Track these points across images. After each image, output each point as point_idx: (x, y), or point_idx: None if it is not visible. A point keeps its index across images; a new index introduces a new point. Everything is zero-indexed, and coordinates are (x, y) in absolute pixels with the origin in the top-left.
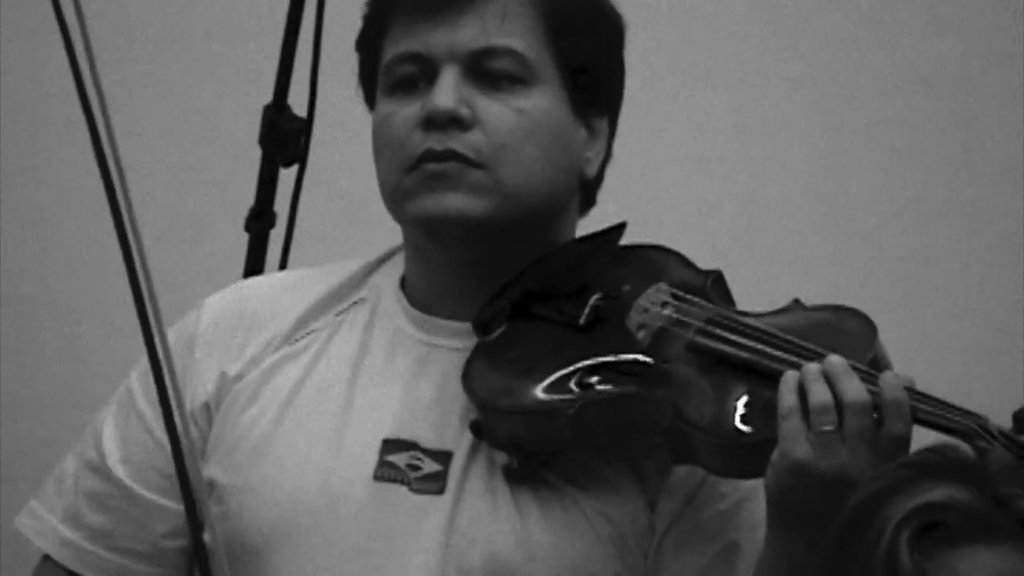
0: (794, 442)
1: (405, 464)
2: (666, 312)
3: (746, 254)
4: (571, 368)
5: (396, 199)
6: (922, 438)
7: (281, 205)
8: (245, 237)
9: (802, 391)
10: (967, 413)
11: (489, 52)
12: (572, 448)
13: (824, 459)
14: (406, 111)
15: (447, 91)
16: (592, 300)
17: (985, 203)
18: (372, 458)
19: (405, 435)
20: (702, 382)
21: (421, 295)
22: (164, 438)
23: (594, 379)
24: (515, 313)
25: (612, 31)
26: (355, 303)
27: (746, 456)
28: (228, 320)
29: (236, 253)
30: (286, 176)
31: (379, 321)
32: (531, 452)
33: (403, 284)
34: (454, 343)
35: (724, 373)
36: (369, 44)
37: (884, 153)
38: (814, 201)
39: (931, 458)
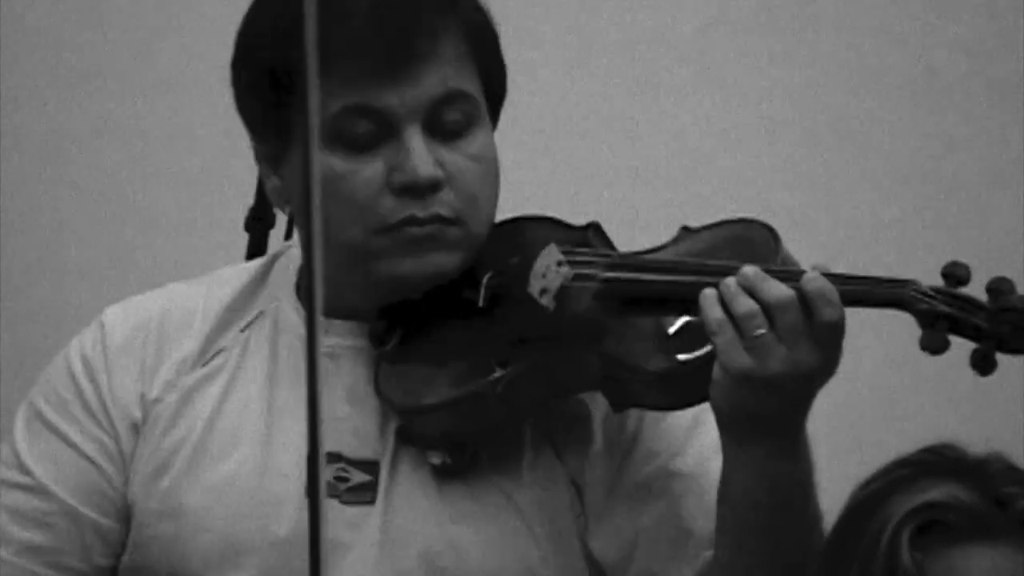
0: (732, 354)
1: (333, 477)
2: (563, 270)
3: None
4: (486, 349)
5: (361, 257)
6: (867, 333)
7: None
8: (245, 237)
9: (725, 306)
10: (896, 282)
11: (447, 99)
12: (507, 427)
13: (766, 361)
14: (368, 171)
15: (424, 157)
16: (485, 280)
17: (985, 204)
18: (299, 475)
19: (328, 447)
20: (621, 325)
21: (333, 289)
22: (92, 453)
23: (512, 354)
24: (408, 317)
25: (493, 25)
26: (257, 316)
27: (685, 383)
28: (135, 338)
29: (236, 253)
30: None
31: (282, 335)
32: (464, 443)
33: (297, 289)
34: (356, 343)
35: (641, 311)
36: (282, 76)
37: (884, 155)
38: (812, 203)
39: (930, 457)
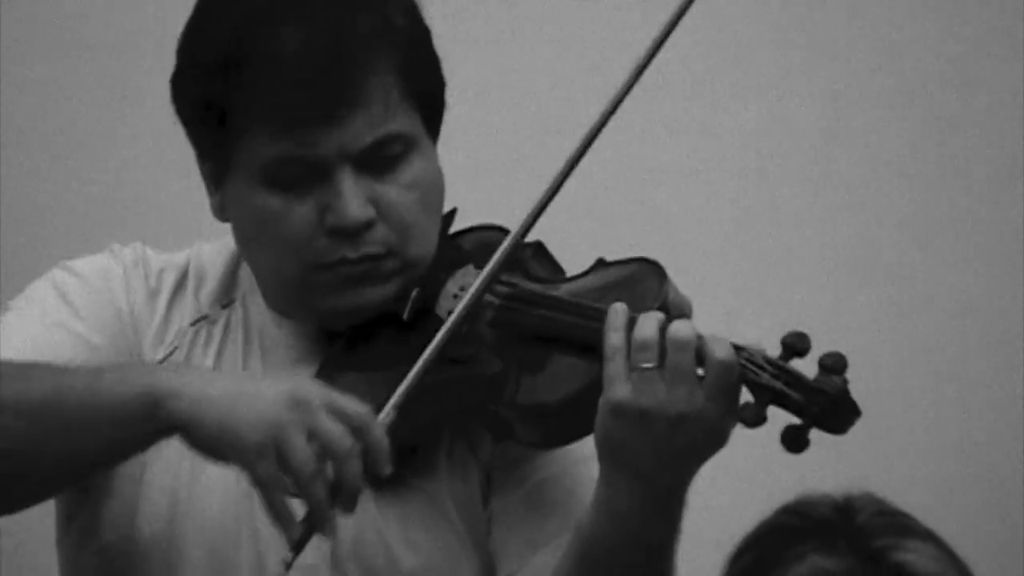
0: (614, 382)
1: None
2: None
3: (743, 259)
4: (398, 364)
5: (297, 290)
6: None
7: None
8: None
9: (628, 331)
10: (738, 348)
11: (377, 144)
12: (411, 443)
13: (642, 396)
14: (299, 211)
15: (354, 200)
16: (413, 294)
17: (986, 206)
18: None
19: None
20: (507, 357)
21: (279, 303)
22: (124, 341)
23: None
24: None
25: (432, 43)
26: (230, 302)
27: (558, 423)
28: (161, 284)
29: None
30: None
31: (252, 327)
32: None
33: (264, 294)
34: (316, 346)
35: (527, 346)
36: (214, 110)
37: (884, 156)
38: (811, 206)
39: (794, 521)
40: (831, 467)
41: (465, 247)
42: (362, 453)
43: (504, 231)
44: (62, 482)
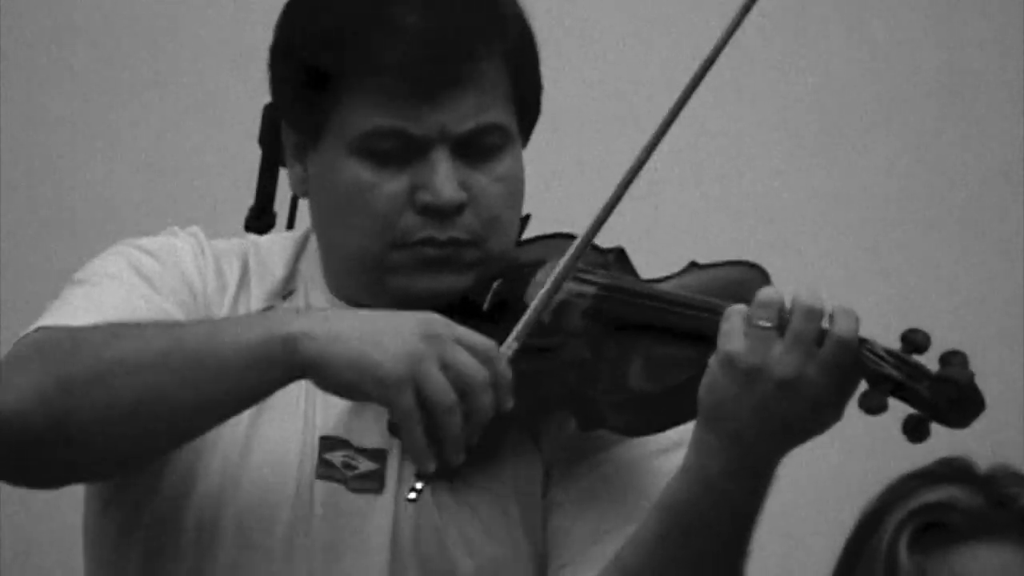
0: (729, 337)
1: (340, 463)
2: (565, 286)
3: (740, 256)
4: None
5: (373, 268)
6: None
7: (281, 205)
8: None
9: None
10: (860, 340)
11: (479, 131)
12: (492, 430)
13: (755, 352)
14: (392, 186)
15: (450, 181)
16: (494, 286)
17: (986, 205)
18: (313, 455)
19: (339, 432)
20: (603, 347)
21: (349, 287)
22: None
23: None
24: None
25: (535, 45)
26: (291, 291)
27: (650, 412)
28: (226, 269)
29: None
30: (286, 176)
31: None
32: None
33: (326, 278)
34: None
35: (624, 335)
36: (319, 77)
37: (883, 155)
38: (812, 204)
39: (934, 468)
40: (835, 466)
41: (541, 252)
42: (492, 389)
43: (568, 236)
44: (186, 434)
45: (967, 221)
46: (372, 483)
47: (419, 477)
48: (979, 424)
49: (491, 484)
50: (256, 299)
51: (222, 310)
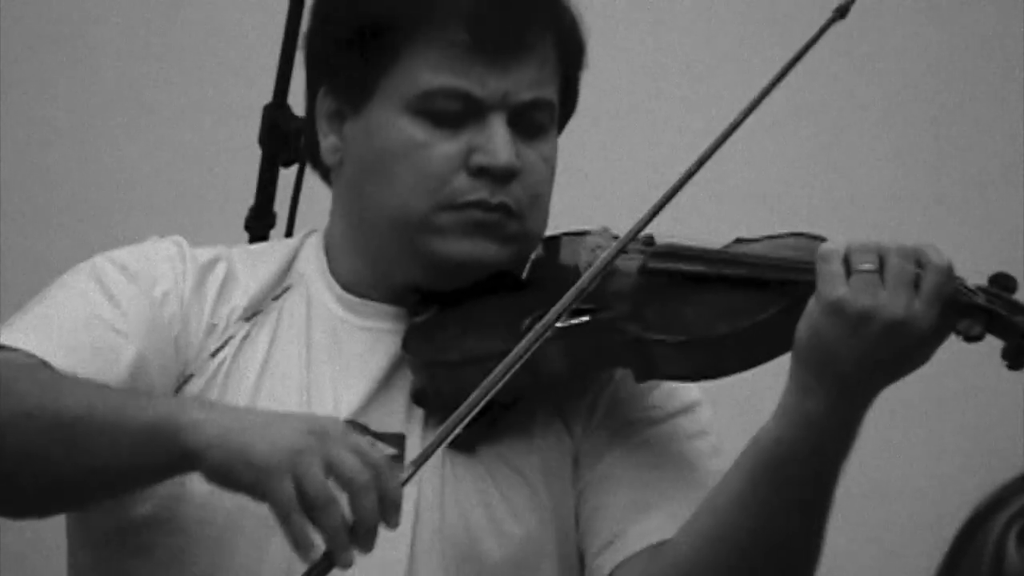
0: (832, 282)
1: None
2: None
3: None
4: (519, 315)
5: (418, 229)
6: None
7: (281, 205)
8: (245, 237)
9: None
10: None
11: (535, 104)
12: (528, 395)
13: (861, 297)
14: (447, 147)
15: (508, 147)
16: (534, 256)
17: (985, 205)
18: None
19: (357, 418)
20: (660, 297)
21: (357, 280)
22: (170, 331)
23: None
24: (446, 299)
25: (583, 40)
26: (286, 289)
27: (711, 353)
28: (208, 271)
29: None
30: (286, 176)
31: (315, 309)
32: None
33: (330, 267)
34: (395, 326)
35: (681, 287)
36: (376, 30)
37: (883, 153)
38: (812, 200)
39: None
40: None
41: (563, 243)
42: (377, 494)
43: (586, 233)
44: (88, 496)
45: (966, 221)
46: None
47: (315, 571)
48: (980, 424)
49: (521, 466)
50: (241, 299)
51: (202, 316)
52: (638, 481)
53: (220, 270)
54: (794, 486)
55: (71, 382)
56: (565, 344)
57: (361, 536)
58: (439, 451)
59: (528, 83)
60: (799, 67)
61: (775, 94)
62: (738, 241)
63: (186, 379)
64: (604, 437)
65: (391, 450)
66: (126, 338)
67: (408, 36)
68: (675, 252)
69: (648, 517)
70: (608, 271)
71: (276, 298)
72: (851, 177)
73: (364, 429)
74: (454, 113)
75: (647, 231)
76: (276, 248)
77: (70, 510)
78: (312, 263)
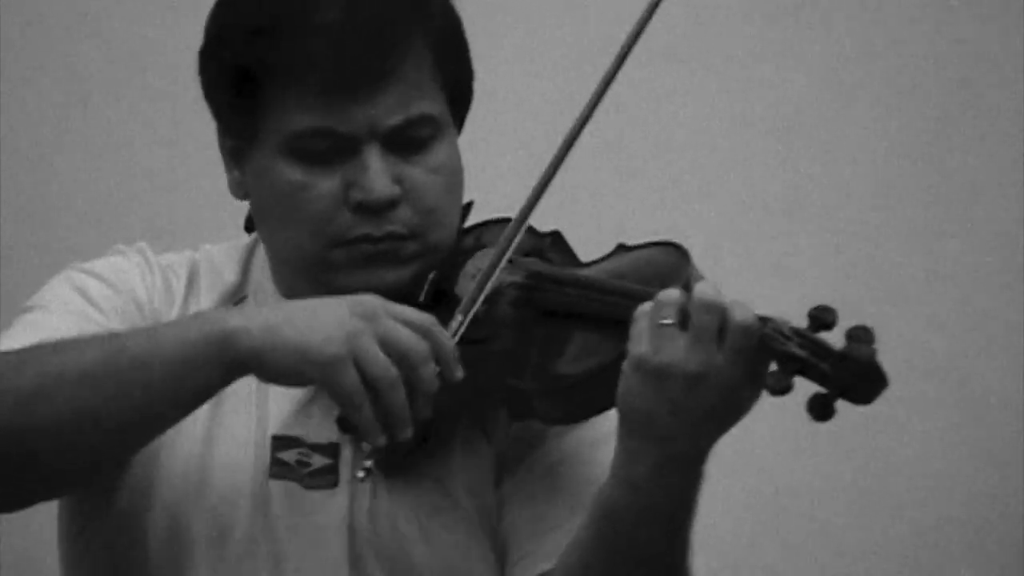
0: (636, 340)
1: (295, 461)
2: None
3: (744, 252)
4: None
5: (315, 268)
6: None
7: None
8: (245, 237)
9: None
10: (762, 319)
11: (408, 124)
12: (428, 424)
13: (661, 351)
14: (325, 185)
15: (381, 177)
16: (431, 276)
17: (985, 205)
18: (265, 456)
19: (290, 431)
20: (530, 335)
21: (295, 287)
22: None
23: None
24: None
25: (463, 31)
26: (243, 298)
27: (576, 398)
28: (170, 281)
29: None
30: None
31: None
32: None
33: (276, 282)
34: None
35: (551, 323)
36: (245, 78)
37: (883, 152)
38: (812, 199)
39: None
40: (838, 464)
41: (482, 238)
42: (434, 359)
43: (508, 220)
44: (135, 442)
45: (966, 221)
46: (327, 478)
47: (369, 455)
48: (980, 427)
49: (441, 475)
50: (205, 305)
51: (171, 315)
52: (545, 500)
53: (183, 275)
54: (635, 542)
55: (85, 338)
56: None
57: (421, 404)
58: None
59: (395, 106)
60: (799, 67)
61: (776, 95)
62: (621, 248)
63: None
64: (518, 447)
65: (326, 460)
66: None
67: (272, 79)
68: (547, 279)
69: (555, 537)
70: (490, 296)
71: (236, 304)
72: (851, 177)
73: (299, 441)
74: (326, 151)
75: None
76: (235, 252)
77: (124, 460)
78: (262, 271)
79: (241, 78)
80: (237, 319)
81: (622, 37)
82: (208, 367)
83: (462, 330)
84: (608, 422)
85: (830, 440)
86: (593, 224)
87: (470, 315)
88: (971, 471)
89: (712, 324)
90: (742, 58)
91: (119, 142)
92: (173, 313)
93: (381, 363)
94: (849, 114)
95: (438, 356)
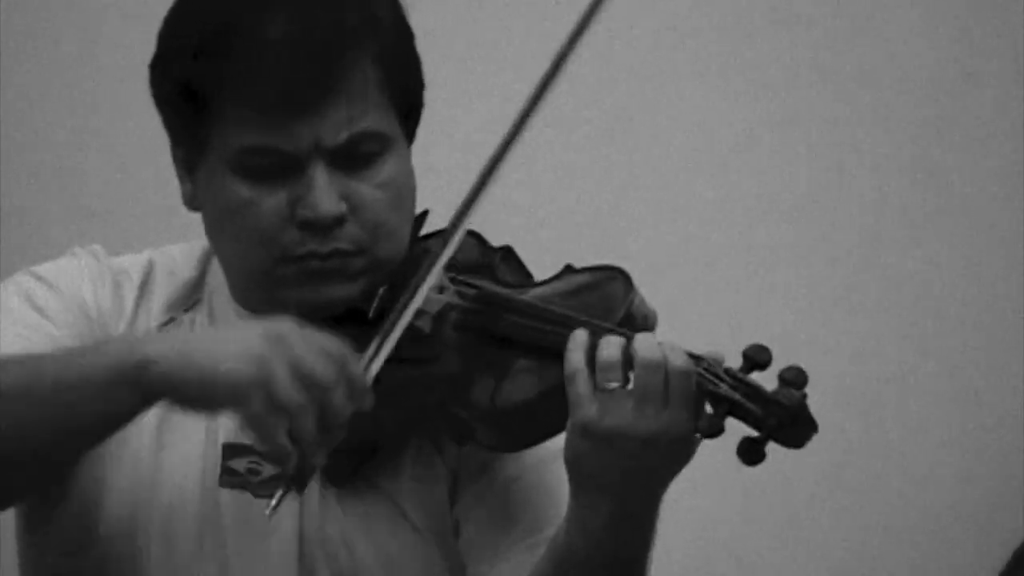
0: (580, 403)
1: (245, 469)
2: (443, 296)
3: (742, 257)
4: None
5: (264, 284)
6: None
7: None
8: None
9: (591, 351)
10: (695, 357)
11: (354, 140)
12: (372, 443)
13: (609, 416)
14: (270, 201)
15: (326, 194)
16: (380, 292)
17: (985, 205)
18: (215, 464)
19: (240, 439)
20: (472, 360)
21: (247, 297)
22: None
23: (384, 370)
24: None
25: (414, 43)
26: (195, 303)
27: (513, 427)
28: (123, 285)
29: None
30: None
31: (218, 323)
32: (341, 449)
33: (232, 288)
34: None
35: (491, 349)
36: (190, 93)
37: (883, 153)
38: (813, 203)
39: None
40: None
41: (435, 250)
42: (345, 387)
43: (472, 234)
44: (66, 459)
45: (965, 221)
46: (277, 486)
47: (284, 483)
48: (981, 429)
49: (389, 487)
50: (157, 313)
51: (118, 329)
52: (499, 520)
53: (136, 279)
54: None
55: (6, 358)
56: (386, 397)
57: (332, 432)
58: (314, 483)
59: (340, 123)
60: (798, 68)
61: (776, 98)
62: (568, 269)
63: None
64: (471, 464)
65: (277, 468)
66: (58, 345)
67: (218, 95)
68: (489, 302)
69: (510, 559)
70: (437, 315)
71: (188, 309)
72: (849, 178)
73: (249, 450)
74: (271, 168)
75: (508, 242)
76: (193, 254)
77: (45, 484)
78: (219, 276)
79: (188, 93)
80: (152, 346)
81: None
82: (124, 394)
83: (381, 355)
84: (560, 439)
85: (828, 438)
86: (550, 247)
87: (389, 339)
88: (969, 476)
89: (658, 383)
90: (740, 63)
91: (120, 142)
92: (122, 321)
93: (289, 389)
94: (848, 121)
95: (348, 383)
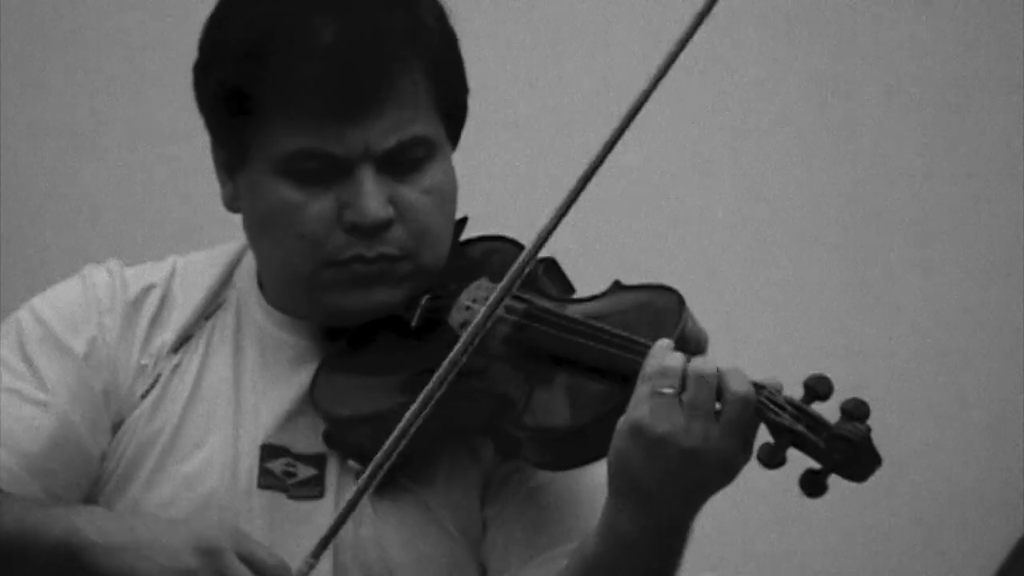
0: (637, 404)
1: (281, 471)
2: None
3: (744, 257)
4: (407, 371)
5: (306, 287)
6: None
7: None
8: (235, 242)
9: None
10: (757, 385)
11: (402, 146)
12: (420, 447)
13: (660, 421)
14: (318, 205)
15: (374, 198)
16: (423, 302)
17: (986, 206)
18: (255, 466)
19: (278, 440)
20: (520, 376)
21: (283, 299)
22: (97, 384)
23: (425, 381)
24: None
25: (459, 49)
26: (220, 306)
27: (563, 448)
28: (142, 302)
29: None
30: None
31: (245, 328)
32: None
33: (261, 288)
34: (320, 344)
35: (541, 366)
36: (238, 97)
37: (883, 155)
38: (813, 205)
39: None
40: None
41: (474, 257)
42: None
43: (510, 242)
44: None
45: (970, 224)
46: (313, 489)
47: None
48: (981, 429)
49: (422, 490)
50: (168, 340)
51: (130, 360)
52: (529, 525)
53: (154, 299)
54: None
55: None
56: (437, 414)
57: None
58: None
59: (390, 128)
60: (798, 69)
61: (776, 99)
62: (616, 286)
63: (118, 424)
64: (505, 469)
65: (312, 470)
66: (45, 408)
67: (266, 99)
68: (540, 319)
69: (538, 564)
70: (487, 330)
71: (208, 317)
72: (850, 178)
73: (286, 451)
74: (320, 172)
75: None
76: (217, 259)
77: None
78: (248, 278)
79: (234, 97)
80: (90, 532)
81: (639, 58)
82: (61, 569)
83: (313, 564)
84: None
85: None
86: (591, 251)
87: (381, 471)
88: (969, 480)
89: (709, 398)
90: (741, 64)
91: (120, 142)
92: (134, 354)
93: None
94: (849, 123)
95: None
